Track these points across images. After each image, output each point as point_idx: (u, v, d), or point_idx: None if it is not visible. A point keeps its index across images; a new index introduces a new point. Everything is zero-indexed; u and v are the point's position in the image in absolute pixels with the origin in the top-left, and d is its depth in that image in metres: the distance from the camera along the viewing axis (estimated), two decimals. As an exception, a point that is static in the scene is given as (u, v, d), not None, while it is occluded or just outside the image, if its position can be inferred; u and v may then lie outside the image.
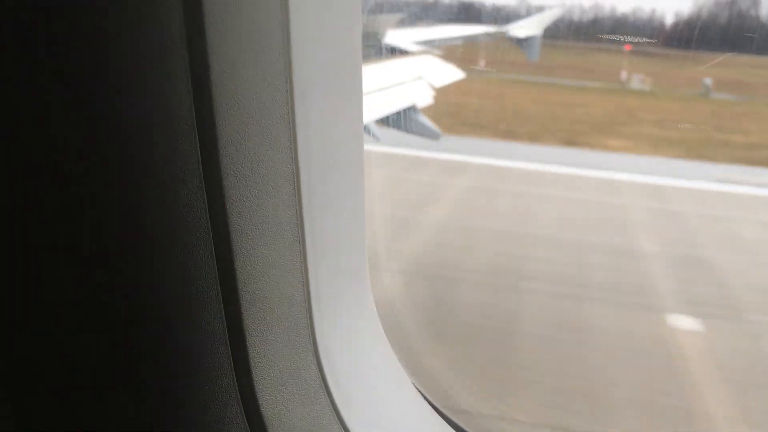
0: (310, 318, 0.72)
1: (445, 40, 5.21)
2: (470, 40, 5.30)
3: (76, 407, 0.68)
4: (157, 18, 0.51)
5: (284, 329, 0.68)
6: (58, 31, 0.51)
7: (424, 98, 4.77)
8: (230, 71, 0.55)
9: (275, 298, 0.66)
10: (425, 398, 0.92)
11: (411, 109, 4.63)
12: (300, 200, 0.66)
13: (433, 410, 0.92)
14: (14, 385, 0.70)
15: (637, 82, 7.30)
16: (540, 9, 5.52)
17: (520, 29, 5.20)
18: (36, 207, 0.58)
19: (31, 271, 0.61)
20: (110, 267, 0.59)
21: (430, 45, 5.12)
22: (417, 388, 0.91)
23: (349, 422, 0.77)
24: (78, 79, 0.52)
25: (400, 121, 4.72)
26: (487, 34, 5.21)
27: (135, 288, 0.59)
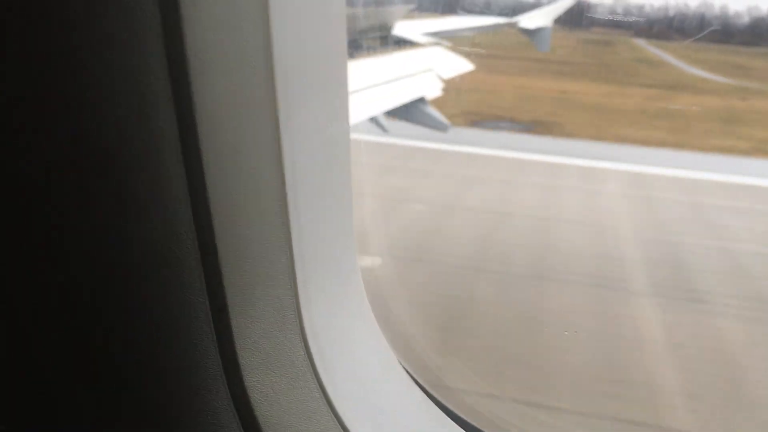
0: (296, 298, 0.73)
1: (455, 31, 5.18)
2: (481, 32, 5.27)
3: (57, 398, 0.69)
4: (133, 21, 0.51)
5: (269, 309, 0.69)
6: (29, 21, 0.50)
7: (433, 90, 4.75)
8: (208, 62, 0.54)
9: (259, 277, 0.66)
10: (413, 379, 0.92)
11: (420, 101, 4.62)
12: (283, 180, 0.66)
13: (420, 390, 0.92)
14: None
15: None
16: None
17: (530, 20, 5.15)
18: (15, 205, 0.58)
19: (10, 265, 0.62)
20: (88, 252, 0.59)
21: (440, 36, 5.10)
22: (405, 369, 0.91)
23: (337, 403, 0.78)
24: (50, 75, 0.52)
25: (410, 113, 4.71)
26: (498, 25, 5.17)
27: (114, 271, 0.60)
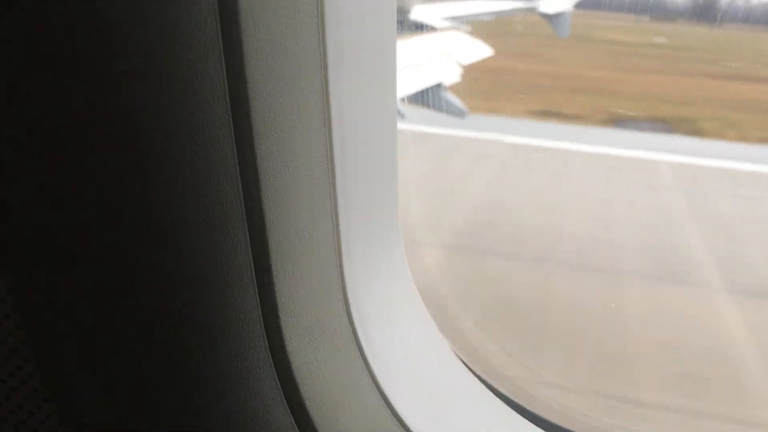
0: (340, 268, 0.71)
1: (474, 15, 5.12)
2: (500, 16, 5.20)
3: (113, 377, 0.68)
4: (188, 9, 0.50)
5: (313, 277, 0.67)
6: (90, 31, 0.50)
7: (451, 75, 4.71)
8: (264, 54, 0.54)
9: (304, 244, 0.65)
10: (458, 356, 0.91)
11: (439, 87, 4.58)
12: (332, 150, 0.65)
13: (462, 364, 0.91)
14: (57, 383, 0.70)
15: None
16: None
17: (550, 4, 5.08)
18: (71, 201, 0.57)
19: (67, 259, 0.61)
20: (138, 213, 0.57)
21: (459, 21, 5.04)
22: (449, 346, 0.90)
23: (377, 372, 0.76)
24: (107, 76, 0.52)
25: (430, 99, 4.67)
26: (517, 10, 5.10)
27: (162, 234, 0.58)
